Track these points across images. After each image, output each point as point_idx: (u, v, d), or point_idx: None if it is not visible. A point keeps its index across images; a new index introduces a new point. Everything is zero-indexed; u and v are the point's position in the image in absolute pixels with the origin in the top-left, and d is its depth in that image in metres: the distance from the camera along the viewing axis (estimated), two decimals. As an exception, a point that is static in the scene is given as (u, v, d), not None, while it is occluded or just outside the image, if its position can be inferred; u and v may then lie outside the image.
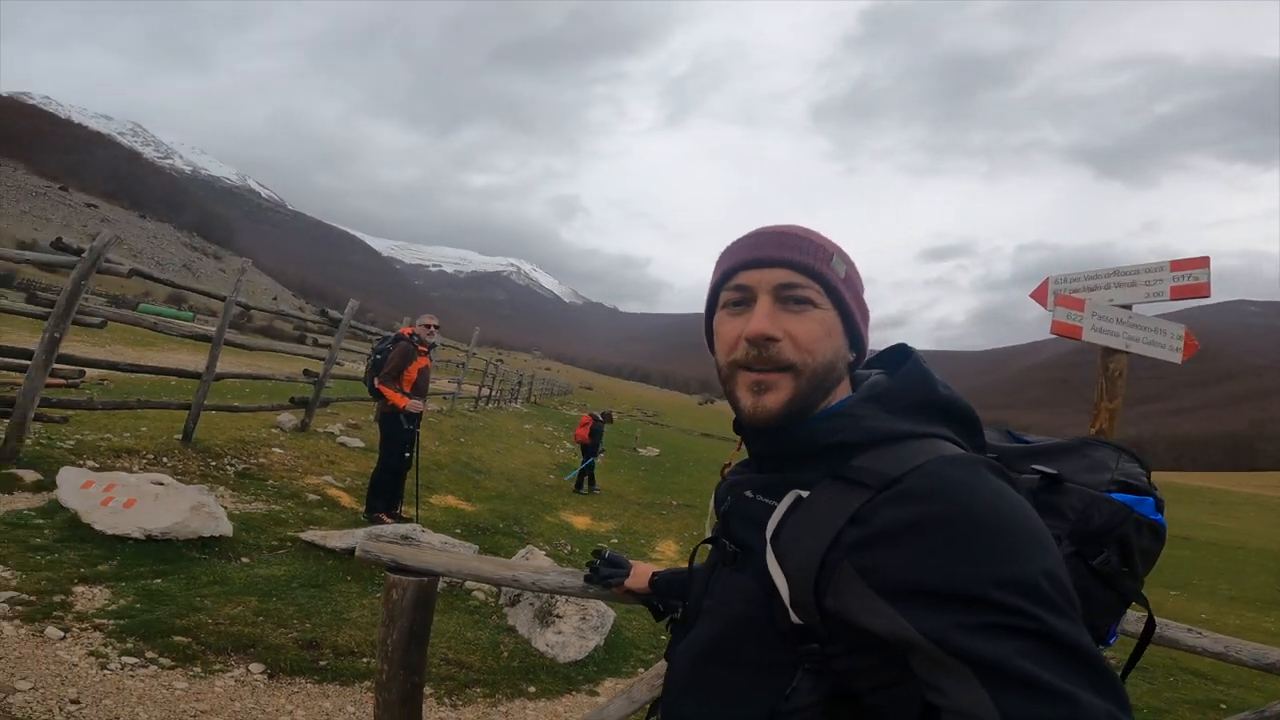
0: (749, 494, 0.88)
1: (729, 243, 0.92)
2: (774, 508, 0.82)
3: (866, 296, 0.92)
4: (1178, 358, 2.87)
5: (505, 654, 3.78)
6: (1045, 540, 0.68)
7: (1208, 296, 2.70)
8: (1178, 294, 2.74)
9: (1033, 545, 0.66)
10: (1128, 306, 2.88)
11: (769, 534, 0.80)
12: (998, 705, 0.59)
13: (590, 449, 12.53)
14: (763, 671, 0.78)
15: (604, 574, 1.67)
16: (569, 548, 7.37)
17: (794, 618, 0.75)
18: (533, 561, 4.79)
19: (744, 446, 0.96)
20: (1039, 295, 3.18)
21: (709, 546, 0.98)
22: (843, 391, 0.88)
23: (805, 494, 0.80)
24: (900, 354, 0.94)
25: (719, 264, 0.91)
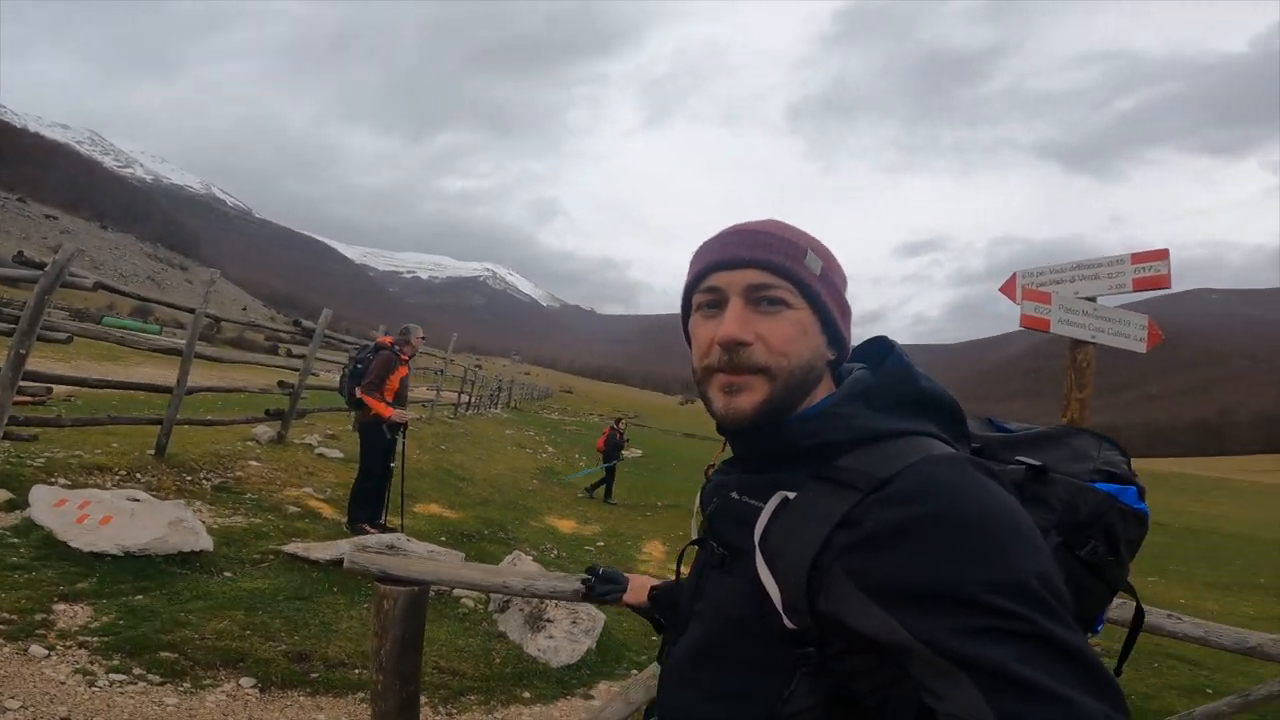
0: (735, 495, 0.86)
1: (702, 242, 0.90)
2: (760, 509, 0.80)
3: (849, 292, 0.91)
4: (1142, 347, 2.99)
5: (498, 660, 3.79)
6: (1035, 540, 0.68)
7: (1168, 288, 2.82)
8: (1139, 285, 2.85)
9: (1023, 546, 0.66)
10: (1092, 299, 2.99)
11: (757, 537, 0.79)
12: (993, 708, 0.59)
13: (608, 457, 12.77)
14: (759, 673, 0.76)
15: (600, 590, 1.63)
16: (555, 552, 7.38)
17: (787, 622, 0.74)
18: (520, 567, 4.79)
19: (728, 447, 0.93)
20: (1008, 290, 3.28)
21: (693, 549, 0.96)
22: (825, 389, 0.86)
23: (791, 495, 0.78)
24: (882, 348, 0.92)
25: (691, 265, 0.90)
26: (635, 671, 3.72)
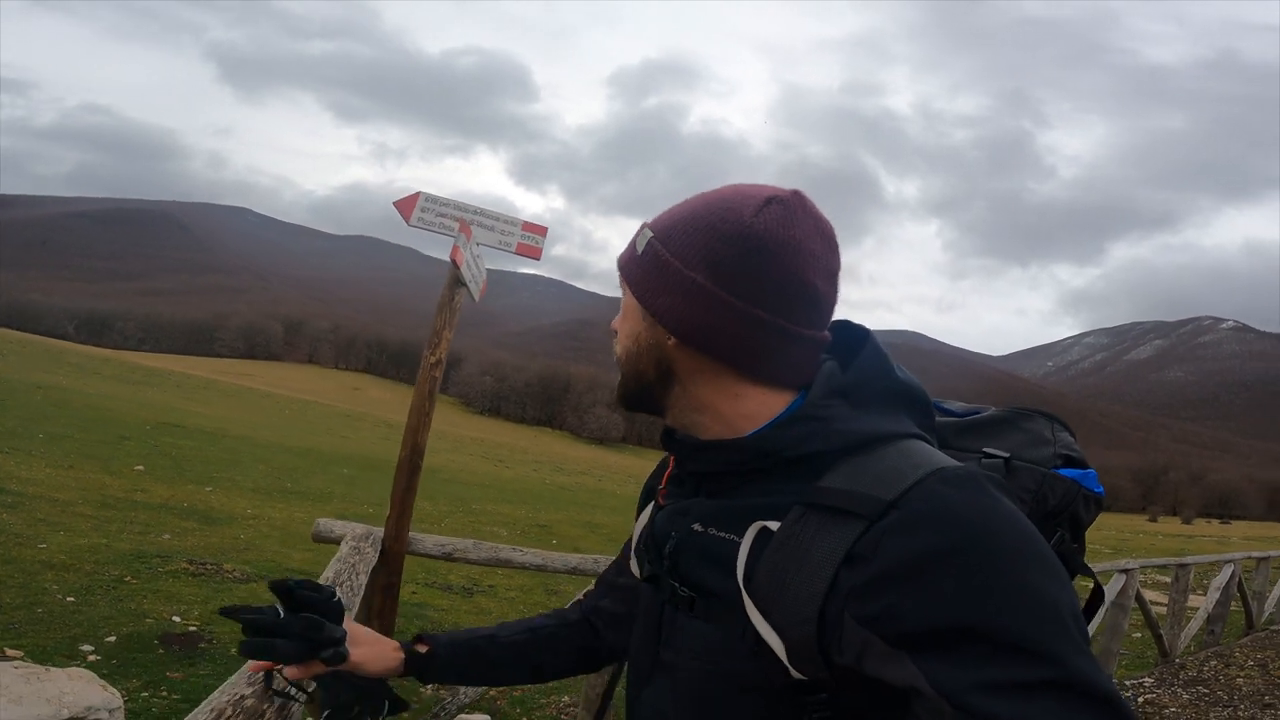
0: (698, 527, 0.75)
1: None
2: (735, 544, 0.70)
3: None
4: (477, 297, 3.31)
5: None
6: (1060, 567, 0.64)
7: (539, 259, 3.25)
8: (521, 250, 3.16)
9: (1051, 579, 0.61)
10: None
11: (740, 579, 0.68)
12: None
13: None
14: None
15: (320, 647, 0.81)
16: None
17: (794, 674, 0.66)
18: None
19: (677, 464, 0.84)
20: (404, 206, 2.95)
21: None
22: (706, 382, 0.76)
23: (773, 526, 0.68)
24: (854, 336, 0.81)
25: None
26: None
